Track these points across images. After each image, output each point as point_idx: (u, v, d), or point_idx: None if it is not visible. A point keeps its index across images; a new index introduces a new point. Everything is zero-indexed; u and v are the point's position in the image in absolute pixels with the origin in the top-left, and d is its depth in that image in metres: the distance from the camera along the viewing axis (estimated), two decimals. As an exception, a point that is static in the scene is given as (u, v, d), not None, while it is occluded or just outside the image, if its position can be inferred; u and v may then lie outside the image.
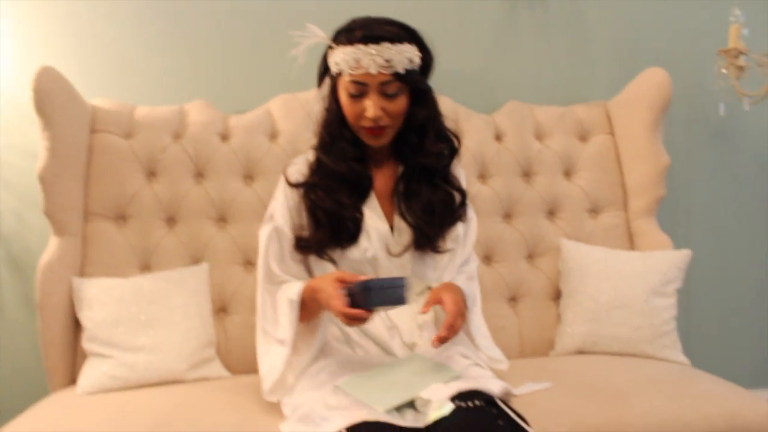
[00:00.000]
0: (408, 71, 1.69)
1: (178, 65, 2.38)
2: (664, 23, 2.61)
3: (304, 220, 1.79)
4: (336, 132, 1.78)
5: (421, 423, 1.46)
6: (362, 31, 1.67)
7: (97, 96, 2.24)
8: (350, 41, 1.68)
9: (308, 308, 1.70)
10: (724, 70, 2.38)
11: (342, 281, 1.59)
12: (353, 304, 1.55)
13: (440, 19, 2.48)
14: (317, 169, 1.80)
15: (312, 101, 2.26)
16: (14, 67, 2.29)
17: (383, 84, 1.68)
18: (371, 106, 1.69)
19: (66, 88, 2.05)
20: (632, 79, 2.43)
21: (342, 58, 1.68)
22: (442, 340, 1.57)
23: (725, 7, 2.41)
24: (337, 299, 1.56)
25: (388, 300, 1.53)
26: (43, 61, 2.01)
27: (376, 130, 1.73)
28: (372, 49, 1.65)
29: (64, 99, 2.02)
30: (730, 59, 2.36)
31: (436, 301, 1.63)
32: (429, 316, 1.80)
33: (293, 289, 1.70)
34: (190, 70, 2.38)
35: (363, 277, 1.57)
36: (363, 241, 1.76)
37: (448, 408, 1.45)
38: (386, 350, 1.75)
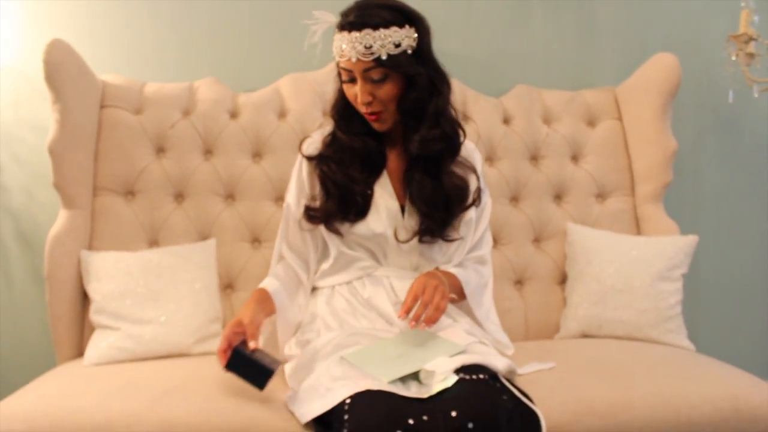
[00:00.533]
0: (392, 56, 1.67)
1: (189, 43, 2.39)
2: (673, 8, 2.60)
3: (317, 190, 1.82)
4: (343, 112, 1.81)
5: (424, 394, 1.46)
6: (350, 17, 1.69)
7: (107, 72, 2.25)
8: (339, 28, 1.71)
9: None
10: (733, 57, 2.37)
11: (238, 328, 1.63)
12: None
13: (450, 3, 2.48)
14: (331, 142, 1.83)
15: (321, 80, 2.28)
16: (26, 43, 2.30)
17: (366, 71, 1.69)
18: (359, 92, 1.71)
19: (76, 61, 2.06)
20: (641, 65, 2.43)
21: (334, 44, 1.72)
22: (407, 311, 1.61)
23: (736, -8, 2.41)
24: (224, 336, 1.61)
25: (247, 376, 1.59)
26: (54, 37, 2.01)
27: (372, 116, 1.75)
28: (353, 36, 1.67)
29: (74, 72, 2.03)
30: (740, 45, 2.35)
31: (416, 297, 1.65)
32: None
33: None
34: (201, 48, 2.39)
35: (251, 344, 1.61)
36: (372, 217, 1.77)
37: (452, 380, 1.46)
38: (390, 323, 1.76)
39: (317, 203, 1.81)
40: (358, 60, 1.67)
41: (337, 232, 1.79)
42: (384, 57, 1.67)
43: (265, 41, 2.41)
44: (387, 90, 1.72)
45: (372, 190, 1.79)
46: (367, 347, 1.63)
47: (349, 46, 1.67)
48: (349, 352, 1.60)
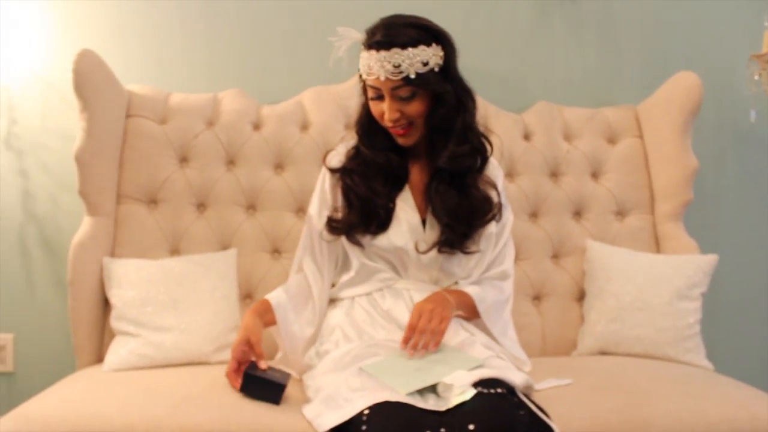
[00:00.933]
0: (420, 75, 1.70)
1: (215, 55, 2.42)
2: (695, 27, 2.61)
3: (339, 202, 1.84)
4: (367, 128, 1.83)
5: (442, 407, 1.47)
6: (377, 36, 1.70)
7: (133, 82, 2.28)
8: (366, 46, 1.73)
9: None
10: (756, 76, 2.37)
11: (246, 346, 1.68)
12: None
13: (472, 19, 2.49)
14: (355, 155, 1.85)
15: (344, 94, 2.31)
16: (55, 52, 2.34)
17: (395, 89, 1.71)
18: (386, 110, 1.73)
19: (104, 71, 2.09)
20: (662, 83, 2.43)
21: (361, 62, 1.74)
22: (405, 341, 1.65)
23: (759, 12, 2.40)
24: (233, 358, 1.69)
25: (262, 395, 1.66)
26: (83, 47, 2.05)
27: (399, 130, 1.77)
28: (381, 55, 1.69)
29: (102, 82, 2.07)
30: (762, 65, 2.34)
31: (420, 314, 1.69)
32: None
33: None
34: (226, 60, 2.42)
35: (261, 364, 1.68)
36: (393, 230, 1.79)
37: (470, 393, 1.47)
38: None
39: (339, 215, 1.83)
40: (387, 78, 1.69)
41: (359, 244, 1.81)
42: (412, 76, 1.69)
43: (290, 54, 2.44)
44: (415, 107, 1.74)
45: (394, 203, 1.81)
46: (386, 358, 1.64)
47: (377, 65, 1.69)
48: (368, 363, 1.61)
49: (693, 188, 2.36)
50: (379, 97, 1.75)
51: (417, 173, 1.86)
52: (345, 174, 1.83)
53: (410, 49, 1.69)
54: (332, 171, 1.86)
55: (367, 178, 1.80)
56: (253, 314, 1.75)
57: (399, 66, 1.68)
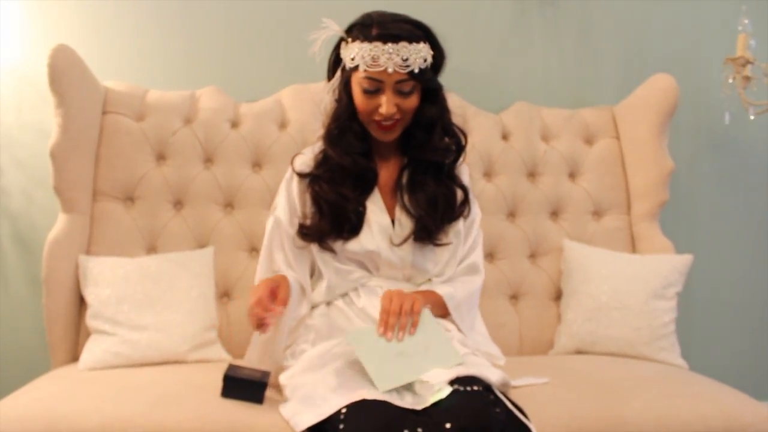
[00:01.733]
0: (422, 70, 1.72)
1: (192, 52, 2.41)
2: (672, 30, 2.64)
3: (308, 208, 1.82)
4: (345, 124, 1.81)
5: (419, 405, 1.47)
6: (380, 29, 1.70)
7: (110, 78, 2.26)
8: (368, 38, 1.71)
9: None
10: (730, 79, 2.40)
11: (273, 294, 1.63)
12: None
13: (451, 18, 2.50)
14: (323, 161, 1.83)
15: (321, 92, 2.29)
16: (30, 46, 2.31)
17: (398, 82, 1.71)
18: (386, 103, 1.72)
19: (80, 66, 2.07)
20: (639, 85, 2.45)
21: (359, 53, 1.71)
22: (382, 325, 1.62)
23: (734, 16, 2.43)
24: (254, 294, 1.61)
25: (244, 396, 1.65)
26: (59, 42, 2.03)
27: (388, 124, 1.76)
28: (390, 47, 1.69)
29: (78, 77, 2.05)
30: (737, 68, 2.38)
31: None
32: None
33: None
34: (204, 57, 2.41)
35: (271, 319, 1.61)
36: (365, 234, 1.79)
37: (446, 391, 1.47)
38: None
39: (309, 221, 1.81)
40: (395, 71, 1.69)
41: (331, 250, 1.81)
42: (416, 71, 1.71)
43: (268, 52, 2.43)
44: (412, 102, 1.75)
45: (364, 207, 1.80)
46: (371, 330, 1.62)
47: (385, 57, 1.69)
48: (353, 331, 1.60)
49: (669, 189, 2.39)
50: (375, 91, 1.73)
51: (385, 172, 1.86)
52: (313, 181, 1.81)
53: (414, 45, 1.71)
54: (300, 176, 1.84)
55: (335, 183, 1.79)
56: (276, 280, 1.70)
57: (407, 60, 1.69)
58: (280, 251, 1.84)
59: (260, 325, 1.59)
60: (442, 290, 1.83)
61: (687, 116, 2.60)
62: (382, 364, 1.56)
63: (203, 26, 2.41)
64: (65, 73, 2.00)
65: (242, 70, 2.42)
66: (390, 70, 1.69)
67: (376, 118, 1.76)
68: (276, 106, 2.32)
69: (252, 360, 1.79)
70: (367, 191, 1.82)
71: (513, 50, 2.57)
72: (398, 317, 1.62)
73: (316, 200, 1.80)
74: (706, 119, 2.65)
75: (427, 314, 1.66)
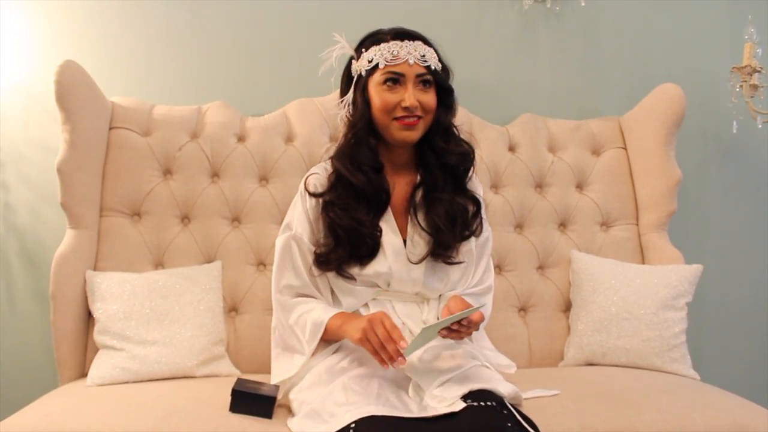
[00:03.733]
0: (437, 70, 1.76)
1: (198, 67, 2.42)
2: (678, 40, 2.64)
3: (321, 233, 1.80)
4: (362, 133, 1.78)
5: (430, 413, 1.46)
6: (394, 32, 1.76)
7: (117, 94, 2.27)
8: (384, 40, 1.75)
9: (327, 332, 1.72)
10: (737, 88, 2.40)
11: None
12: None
13: (457, 31, 2.51)
14: (336, 182, 1.80)
15: (328, 105, 2.29)
16: (37, 64, 2.33)
17: (419, 75, 1.74)
18: (409, 95, 1.73)
19: (87, 82, 2.08)
20: (646, 95, 2.45)
21: (377, 54, 1.75)
22: (450, 332, 1.59)
23: (740, 26, 2.43)
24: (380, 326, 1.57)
25: (254, 411, 1.65)
26: (66, 58, 2.03)
27: (411, 120, 1.74)
28: (408, 44, 1.74)
29: (85, 93, 2.05)
30: (743, 77, 2.38)
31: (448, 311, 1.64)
32: (433, 316, 1.81)
33: (320, 315, 1.73)
34: (210, 72, 2.42)
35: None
36: (378, 257, 1.77)
37: (459, 406, 1.46)
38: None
39: (325, 249, 1.77)
40: (416, 63, 1.73)
41: (351, 277, 1.77)
42: (433, 67, 1.75)
43: (274, 66, 2.44)
44: (432, 98, 1.77)
45: (380, 230, 1.78)
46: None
47: (404, 51, 1.73)
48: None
49: (677, 198, 2.38)
50: (397, 84, 1.74)
51: (397, 190, 1.84)
52: (327, 207, 1.78)
53: (428, 47, 1.78)
54: (314, 196, 1.80)
55: (349, 208, 1.76)
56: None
57: (424, 56, 1.75)
58: (297, 271, 1.79)
59: (392, 360, 1.55)
60: (469, 300, 1.80)
61: (694, 126, 2.60)
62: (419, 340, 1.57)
63: (209, 41, 2.42)
64: (72, 89, 2.00)
65: (248, 84, 2.43)
66: (411, 61, 1.73)
67: (399, 114, 1.74)
68: (282, 119, 2.32)
69: (278, 375, 1.77)
70: (380, 212, 1.80)
71: (519, 62, 2.57)
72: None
73: (332, 228, 1.77)
74: (713, 128, 2.64)
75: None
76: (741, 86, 2.39)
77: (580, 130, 2.48)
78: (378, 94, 1.75)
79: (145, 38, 2.39)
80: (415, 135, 1.77)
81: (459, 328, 1.59)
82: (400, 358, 1.53)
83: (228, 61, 2.43)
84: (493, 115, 2.47)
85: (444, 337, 1.61)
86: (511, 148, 2.43)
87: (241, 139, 2.28)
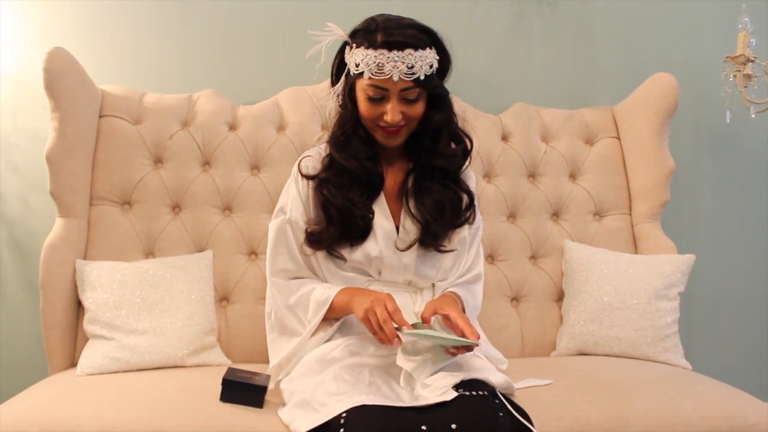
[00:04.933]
0: (428, 77, 1.69)
1: (189, 55, 2.39)
2: (672, 29, 2.62)
3: (313, 214, 1.79)
4: (350, 130, 1.77)
5: (421, 402, 1.45)
6: (385, 35, 1.66)
7: (107, 82, 2.25)
8: (373, 45, 1.67)
9: (333, 310, 1.71)
10: (731, 78, 2.39)
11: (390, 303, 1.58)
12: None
13: (450, 20, 2.49)
14: (329, 164, 1.80)
15: (320, 94, 2.27)
16: (25, 51, 2.30)
17: (404, 90, 1.68)
18: (391, 111, 1.69)
19: (77, 69, 2.06)
20: (639, 84, 2.44)
21: (363, 60, 1.67)
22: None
23: (733, 15, 2.42)
24: (379, 305, 1.57)
25: (244, 400, 1.65)
26: (55, 45, 2.01)
27: (393, 130, 1.73)
28: (395, 55, 1.65)
29: (74, 80, 2.03)
30: (737, 66, 2.37)
31: (435, 312, 1.63)
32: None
33: (324, 292, 1.72)
34: (201, 60, 2.40)
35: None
36: (369, 240, 1.76)
37: (450, 395, 1.46)
38: None
39: (317, 228, 1.77)
40: (400, 79, 1.66)
41: (341, 257, 1.77)
42: (422, 77, 1.67)
43: (265, 54, 2.42)
44: (418, 109, 1.72)
45: (373, 212, 1.78)
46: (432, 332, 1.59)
47: (390, 65, 1.65)
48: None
49: (670, 188, 2.37)
50: (380, 99, 1.70)
51: (390, 177, 1.83)
52: (321, 185, 1.78)
53: (420, 51, 1.67)
54: (307, 178, 1.80)
55: (343, 187, 1.75)
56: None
57: (412, 67, 1.66)
58: (291, 254, 1.79)
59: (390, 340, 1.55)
60: (461, 293, 1.81)
61: (687, 115, 2.59)
62: (414, 348, 1.57)
63: (200, 29, 2.39)
64: (61, 77, 1.98)
65: (240, 72, 2.41)
66: (395, 78, 1.65)
67: (381, 124, 1.73)
68: (274, 108, 2.30)
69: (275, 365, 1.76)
70: (373, 196, 1.79)
71: (512, 51, 2.56)
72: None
73: (325, 206, 1.76)
74: (706, 118, 2.64)
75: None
76: (734, 76, 2.38)
77: (573, 119, 2.47)
78: (362, 102, 1.73)
79: (135, 25, 2.36)
80: (399, 141, 1.77)
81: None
82: (396, 339, 1.54)
83: (219, 50, 2.40)
84: (486, 104, 2.46)
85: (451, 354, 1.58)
86: (504, 138, 2.42)
87: (232, 127, 2.27)
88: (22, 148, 2.31)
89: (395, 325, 1.55)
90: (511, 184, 2.37)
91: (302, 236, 1.78)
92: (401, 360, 1.56)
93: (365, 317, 1.58)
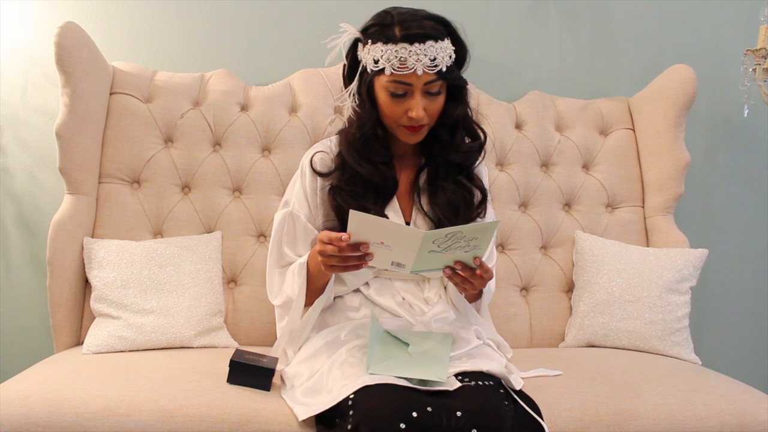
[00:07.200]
0: (449, 68, 1.65)
1: (202, 34, 2.37)
2: (691, 20, 2.59)
3: (321, 210, 1.78)
4: (370, 131, 1.72)
5: (430, 387, 1.44)
6: (403, 29, 1.62)
7: (118, 59, 2.23)
8: (392, 39, 1.62)
9: (312, 273, 1.70)
10: (750, 71, 2.35)
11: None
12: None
13: (466, 8, 2.47)
14: (341, 167, 1.76)
15: (333, 77, 2.25)
16: (36, 26, 2.28)
17: (427, 84, 1.64)
18: (416, 107, 1.65)
19: (88, 45, 2.04)
20: (656, 76, 2.41)
21: (383, 56, 1.63)
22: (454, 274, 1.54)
23: (755, 7, 2.38)
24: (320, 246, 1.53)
25: (251, 382, 1.64)
26: (66, 20, 1.99)
27: (417, 127, 1.69)
28: (417, 48, 1.61)
29: (85, 56, 2.01)
30: (757, 60, 2.33)
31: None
32: (434, 293, 1.79)
33: (301, 260, 1.72)
34: (214, 39, 2.38)
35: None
36: None
37: (454, 385, 1.45)
38: (395, 317, 1.75)
39: (330, 227, 1.74)
40: (424, 73, 1.62)
41: None
42: (444, 69, 1.64)
43: (279, 35, 2.40)
44: (439, 103, 1.69)
45: (386, 217, 1.74)
46: (385, 349, 1.57)
47: (413, 59, 1.61)
48: (375, 367, 1.52)
49: (684, 182, 2.35)
50: (404, 94, 1.65)
51: (402, 174, 1.81)
52: (334, 192, 1.74)
53: (440, 42, 1.63)
54: (319, 175, 1.78)
55: (356, 195, 1.72)
56: None
57: (435, 59, 1.62)
58: (292, 246, 1.79)
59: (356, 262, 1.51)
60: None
61: (704, 109, 2.56)
62: (384, 350, 1.55)
63: (214, 8, 2.37)
64: (73, 52, 1.96)
65: (253, 53, 2.39)
66: (419, 72, 1.61)
67: (404, 122, 1.69)
68: (286, 89, 2.28)
69: (279, 347, 1.76)
70: (387, 201, 1.76)
71: (528, 39, 2.53)
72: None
73: (338, 212, 1.74)
74: (723, 112, 2.60)
75: (449, 335, 1.64)
76: (754, 69, 2.34)
77: (588, 109, 2.44)
78: (384, 100, 1.68)
79: (148, 2, 2.34)
80: (419, 137, 1.74)
81: (467, 276, 1.53)
82: (367, 257, 1.50)
83: (232, 29, 2.38)
84: (501, 92, 2.44)
85: (447, 277, 1.55)
86: (518, 126, 2.40)
87: (244, 108, 2.25)
88: (31, 124, 2.30)
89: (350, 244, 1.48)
90: (523, 173, 2.35)
91: (304, 230, 1.77)
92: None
93: (327, 268, 1.55)
